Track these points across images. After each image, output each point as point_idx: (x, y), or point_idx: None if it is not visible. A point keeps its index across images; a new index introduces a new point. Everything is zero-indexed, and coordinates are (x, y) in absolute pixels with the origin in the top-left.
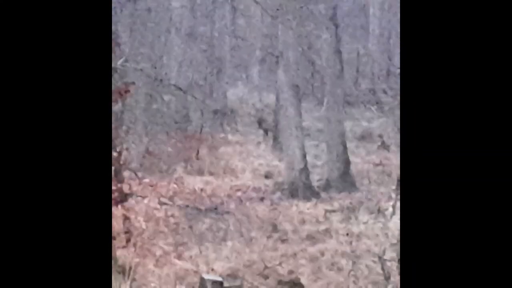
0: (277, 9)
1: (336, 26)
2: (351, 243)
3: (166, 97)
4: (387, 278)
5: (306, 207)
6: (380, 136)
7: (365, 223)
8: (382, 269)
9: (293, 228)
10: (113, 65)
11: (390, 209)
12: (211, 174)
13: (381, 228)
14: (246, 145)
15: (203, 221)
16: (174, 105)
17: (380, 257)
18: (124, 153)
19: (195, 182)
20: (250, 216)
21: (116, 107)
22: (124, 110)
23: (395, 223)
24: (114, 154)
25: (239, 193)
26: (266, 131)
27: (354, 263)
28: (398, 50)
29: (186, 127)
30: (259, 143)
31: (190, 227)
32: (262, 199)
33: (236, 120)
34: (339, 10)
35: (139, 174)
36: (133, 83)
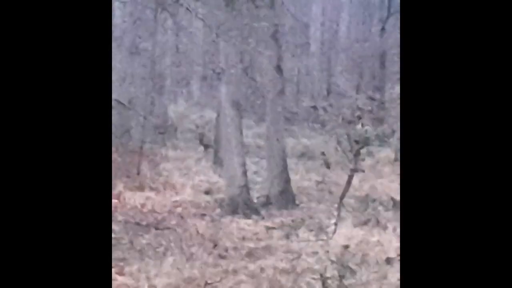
0: (219, 26)
1: (278, 43)
2: (291, 260)
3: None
4: None
5: (246, 223)
6: (323, 153)
7: (305, 240)
8: (324, 286)
9: (234, 244)
10: None
11: (332, 227)
12: (151, 189)
13: (322, 246)
14: (187, 161)
15: (144, 236)
16: (115, 120)
17: (321, 275)
18: None
19: (135, 198)
20: (191, 232)
21: None
22: None
23: (336, 241)
24: None
25: (179, 209)
26: (206, 147)
27: (294, 280)
28: (339, 68)
29: (127, 143)
30: (199, 159)
31: (131, 242)
32: (202, 215)
33: (177, 136)
34: (281, 28)
35: None
36: None
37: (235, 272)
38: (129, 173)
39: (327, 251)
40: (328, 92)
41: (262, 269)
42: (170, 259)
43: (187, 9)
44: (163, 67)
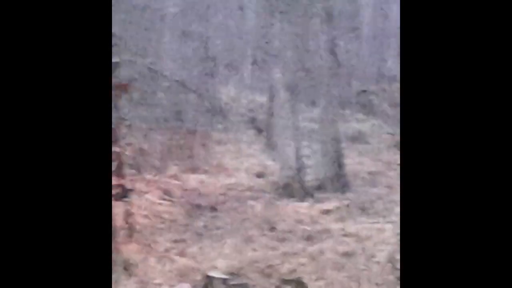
0: (273, 9)
1: (331, 27)
2: (348, 243)
3: (159, 95)
4: (386, 277)
5: (301, 206)
6: (374, 137)
7: (361, 223)
8: (382, 270)
9: (290, 227)
10: (114, 59)
11: (386, 211)
12: (205, 172)
13: (378, 229)
14: (239, 144)
15: (200, 219)
16: (167, 103)
17: (380, 258)
18: (127, 148)
19: (189, 180)
20: (247, 215)
21: (119, 103)
22: (123, 107)
23: (392, 224)
24: (117, 149)
25: (233, 192)
26: (258, 131)
27: (353, 262)
28: (391, 52)
29: (178, 125)
30: (251, 142)
31: (188, 224)
32: (256, 198)
33: (229, 119)
34: (334, 11)
35: (136, 171)
36: (135, 79)
37: (295, 254)
38: (182, 155)
39: (384, 234)
40: (380, 76)
41: (321, 252)
42: (229, 241)
43: None
44: (215, 49)
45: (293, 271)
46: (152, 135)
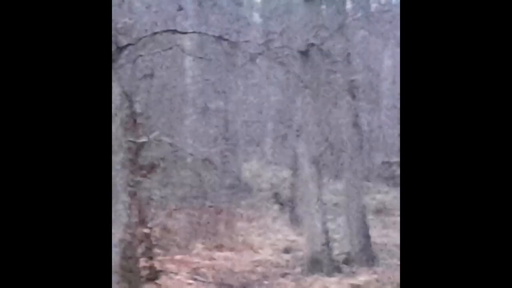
0: (295, 82)
1: (354, 98)
2: None
3: (183, 173)
4: None
5: (330, 281)
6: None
7: None
8: None
9: None
10: (142, 139)
11: None
12: (231, 250)
13: None
14: (263, 219)
15: None
16: (189, 180)
17: None
18: (155, 229)
19: (216, 258)
20: None
21: (147, 184)
22: (152, 187)
23: None
24: (146, 231)
25: (260, 269)
26: (282, 206)
27: None
28: None
29: (202, 203)
30: (275, 217)
31: None
32: (284, 274)
33: (252, 194)
34: (356, 82)
35: (162, 251)
36: (161, 158)
37: None
38: (207, 233)
39: None
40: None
41: None
42: None
43: (260, 67)
44: (235, 126)
45: None
46: (177, 214)
